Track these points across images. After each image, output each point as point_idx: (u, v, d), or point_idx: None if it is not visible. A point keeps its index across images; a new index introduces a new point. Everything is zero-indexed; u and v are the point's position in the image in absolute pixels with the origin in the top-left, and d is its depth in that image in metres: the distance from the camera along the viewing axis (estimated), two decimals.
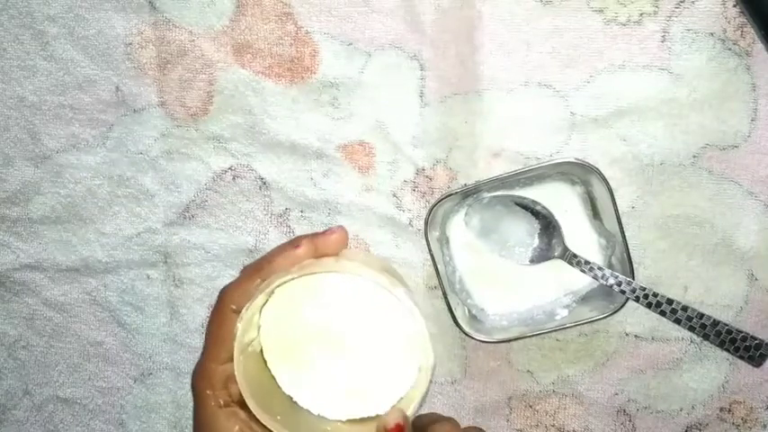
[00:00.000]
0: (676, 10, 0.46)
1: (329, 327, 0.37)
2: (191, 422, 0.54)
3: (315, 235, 0.38)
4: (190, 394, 0.53)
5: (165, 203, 0.52)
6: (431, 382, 0.35)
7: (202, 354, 0.37)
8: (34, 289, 0.54)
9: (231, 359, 0.35)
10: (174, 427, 0.54)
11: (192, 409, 0.54)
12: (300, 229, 0.51)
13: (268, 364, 0.37)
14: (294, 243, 0.37)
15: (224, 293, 0.37)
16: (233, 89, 0.50)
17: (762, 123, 0.47)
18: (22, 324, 0.54)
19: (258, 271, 0.36)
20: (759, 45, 0.46)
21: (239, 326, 0.34)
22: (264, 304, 0.37)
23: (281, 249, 0.37)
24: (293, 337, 0.37)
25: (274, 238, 0.51)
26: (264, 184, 0.51)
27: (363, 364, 0.37)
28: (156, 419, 0.54)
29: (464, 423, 0.51)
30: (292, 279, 0.35)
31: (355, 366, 0.37)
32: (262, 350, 0.37)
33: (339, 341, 0.37)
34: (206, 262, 0.52)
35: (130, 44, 0.50)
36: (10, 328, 0.54)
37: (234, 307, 0.36)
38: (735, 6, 0.46)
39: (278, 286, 0.35)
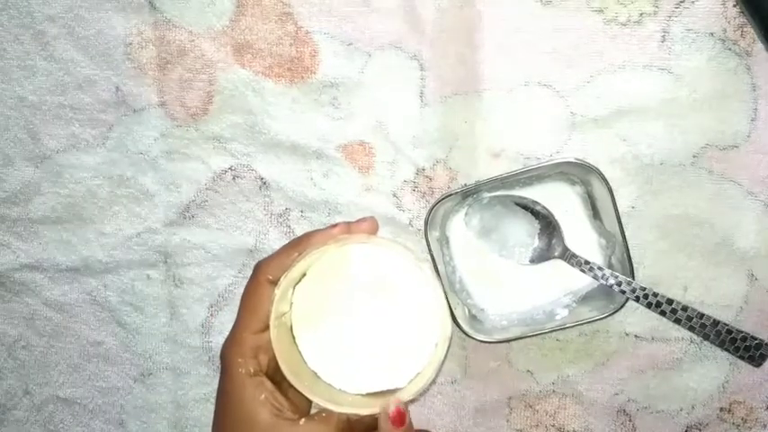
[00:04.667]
0: (676, 10, 0.46)
1: (354, 301, 0.39)
2: (191, 422, 0.54)
3: (348, 222, 0.40)
4: (190, 393, 0.54)
5: (165, 203, 0.52)
6: (446, 354, 0.37)
7: (235, 323, 0.38)
8: (34, 289, 0.54)
9: (263, 329, 0.37)
10: (174, 427, 0.54)
11: (190, 408, 0.54)
12: (300, 229, 0.51)
13: (296, 340, 0.39)
14: (331, 225, 0.40)
15: (260, 265, 0.38)
16: (233, 89, 0.50)
17: (762, 123, 0.47)
18: (22, 324, 0.54)
19: (296, 246, 0.38)
20: (759, 45, 0.46)
21: (277, 292, 0.36)
22: (299, 281, 0.39)
23: (318, 229, 0.40)
24: (320, 314, 0.39)
25: (274, 238, 0.51)
26: (264, 184, 0.51)
27: (383, 338, 0.38)
28: (156, 419, 0.54)
29: (464, 423, 0.51)
30: (327, 249, 0.37)
31: (375, 341, 0.38)
32: (291, 327, 0.39)
33: (362, 316, 0.39)
34: (206, 262, 0.52)
35: (130, 44, 0.50)
36: (10, 328, 0.54)
37: (270, 277, 0.38)
38: (735, 6, 0.46)
39: (314, 258, 0.37)
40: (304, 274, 0.39)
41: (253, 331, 0.37)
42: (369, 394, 0.38)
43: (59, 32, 0.50)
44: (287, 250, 0.39)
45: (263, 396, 0.36)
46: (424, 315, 0.38)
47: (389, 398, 0.37)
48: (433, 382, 0.37)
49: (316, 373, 0.39)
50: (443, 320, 0.37)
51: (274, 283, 0.37)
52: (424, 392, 0.37)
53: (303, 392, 0.36)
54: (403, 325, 0.38)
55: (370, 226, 0.40)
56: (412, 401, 0.37)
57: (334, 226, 0.39)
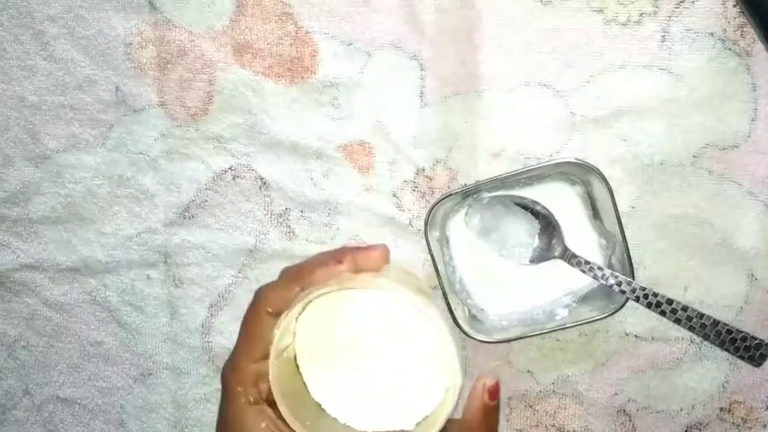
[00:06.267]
0: (676, 10, 0.46)
1: (362, 340, 0.37)
2: (191, 422, 0.54)
3: (356, 250, 0.38)
4: (190, 393, 0.54)
5: (165, 203, 0.52)
6: (457, 402, 0.35)
7: (234, 350, 0.37)
8: (34, 289, 0.54)
9: (263, 358, 0.36)
10: (173, 427, 0.54)
11: (190, 408, 0.54)
12: (300, 229, 0.51)
13: (300, 370, 0.38)
14: (337, 257, 0.37)
15: (261, 294, 0.37)
16: (233, 89, 0.50)
17: (762, 123, 0.47)
18: (22, 324, 0.54)
19: (298, 279, 0.37)
20: (759, 45, 0.46)
21: (276, 332, 0.35)
22: (301, 312, 0.37)
23: (323, 261, 0.37)
24: (326, 346, 0.38)
25: (274, 238, 0.51)
26: (264, 184, 0.51)
27: (392, 378, 0.37)
28: (156, 419, 0.54)
29: None
30: (330, 291, 0.35)
31: (384, 380, 0.37)
32: (295, 356, 0.38)
33: (370, 355, 0.37)
34: (206, 262, 0.52)
35: (130, 44, 0.50)
36: (10, 328, 0.54)
37: (270, 309, 0.36)
38: (735, 6, 0.46)
39: (316, 297, 0.35)
40: (309, 301, 0.37)
41: (252, 360, 0.37)
42: None
43: (59, 32, 0.50)
44: (289, 282, 0.37)
45: (263, 425, 0.36)
46: (433, 359, 0.37)
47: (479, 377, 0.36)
48: (444, 430, 0.37)
49: (320, 405, 0.38)
50: (453, 368, 0.35)
51: (273, 314, 0.36)
52: None
53: None
54: (412, 367, 0.37)
55: (381, 256, 0.38)
56: None
57: (340, 260, 0.37)
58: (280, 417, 0.36)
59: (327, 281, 0.36)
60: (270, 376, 0.35)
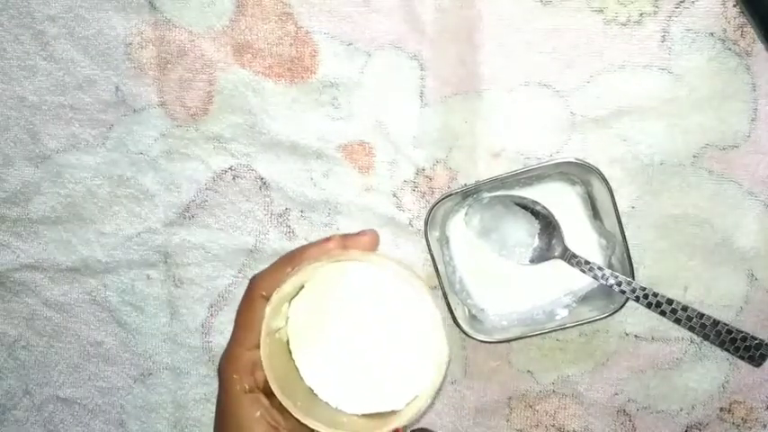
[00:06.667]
0: (676, 10, 0.46)
1: (351, 316, 0.38)
2: (191, 422, 0.54)
3: (346, 235, 0.39)
4: (190, 393, 0.54)
5: (165, 203, 0.52)
6: (444, 378, 0.36)
7: (231, 339, 0.38)
8: (34, 289, 0.54)
9: (259, 345, 0.36)
10: (173, 427, 0.54)
11: (190, 408, 0.54)
12: (300, 229, 0.51)
13: (293, 355, 0.38)
14: (326, 238, 0.38)
15: (254, 280, 0.38)
16: (233, 89, 0.50)
17: (762, 123, 0.47)
18: (22, 324, 0.54)
19: (290, 260, 0.37)
20: (759, 45, 0.46)
21: (268, 309, 0.35)
22: (294, 297, 0.38)
23: (313, 243, 0.38)
24: (317, 330, 0.38)
25: (274, 238, 0.51)
26: (264, 184, 0.51)
27: (381, 359, 0.38)
28: (156, 419, 0.54)
29: (464, 423, 0.51)
30: (321, 266, 0.36)
31: (373, 362, 0.38)
32: (288, 341, 0.38)
33: (360, 336, 0.38)
34: (206, 262, 0.52)
35: (130, 44, 0.50)
36: (10, 328, 0.54)
37: (264, 294, 0.37)
38: (735, 6, 0.46)
39: (308, 273, 0.36)
40: (302, 287, 0.37)
41: (248, 347, 0.37)
42: (365, 415, 0.37)
43: (59, 32, 0.50)
44: (281, 265, 0.38)
45: (258, 413, 0.36)
46: (422, 337, 0.37)
47: (387, 421, 0.36)
48: (431, 405, 0.36)
49: (312, 390, 0.38)
50: (440, 344, 0.36)
51: (268, 298, 0.36)
52: (421, 416, 0.36)
53: (294, 414, 0.35)
54: (401, 346, 0.37)
55: (370, 240, 0.38)
56: (409, 427, 0.37)
57: (329, 239, 0.38)
58: (275, 406, 0.36)
59: (318, 258, 0.36)
60: (261, 354, 0.35)
